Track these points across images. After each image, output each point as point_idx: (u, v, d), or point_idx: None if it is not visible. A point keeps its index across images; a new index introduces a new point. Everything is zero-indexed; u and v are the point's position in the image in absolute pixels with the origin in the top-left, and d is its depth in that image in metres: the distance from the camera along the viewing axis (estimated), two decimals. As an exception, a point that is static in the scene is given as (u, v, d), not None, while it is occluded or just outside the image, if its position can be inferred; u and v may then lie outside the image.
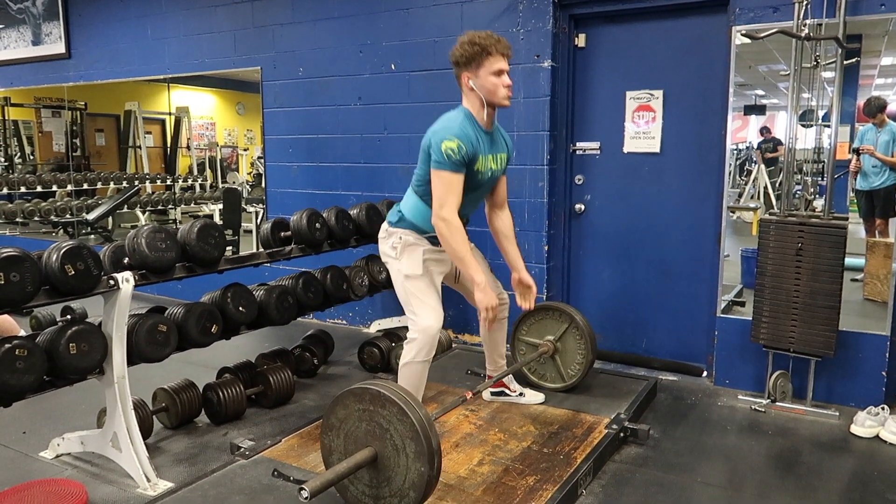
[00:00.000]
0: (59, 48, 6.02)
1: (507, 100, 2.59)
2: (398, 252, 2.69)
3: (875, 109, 3.36)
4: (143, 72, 5.57)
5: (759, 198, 4.38)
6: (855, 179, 3.69)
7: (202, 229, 2.79)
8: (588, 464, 2.60)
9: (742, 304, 3.79)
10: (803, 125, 3.35)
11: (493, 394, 3.26)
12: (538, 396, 3.26)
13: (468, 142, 2.51)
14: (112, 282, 2.48)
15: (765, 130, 4.26)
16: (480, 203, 2.86)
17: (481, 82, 2.55)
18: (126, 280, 2.51)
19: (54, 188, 7.44)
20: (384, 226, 2.79)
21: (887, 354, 3.27)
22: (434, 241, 2.68)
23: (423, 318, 2.63)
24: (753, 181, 4.38)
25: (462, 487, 2.45)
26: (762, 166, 4.31)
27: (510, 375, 3.24)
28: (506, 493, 2.41)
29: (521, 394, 3.25)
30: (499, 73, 2.55)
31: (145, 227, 2.63)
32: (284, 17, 4.76)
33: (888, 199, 3.51)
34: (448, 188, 2.50)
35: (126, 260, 2.63)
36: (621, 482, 2.64)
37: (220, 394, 3.14)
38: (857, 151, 3.56)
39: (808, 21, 3.05)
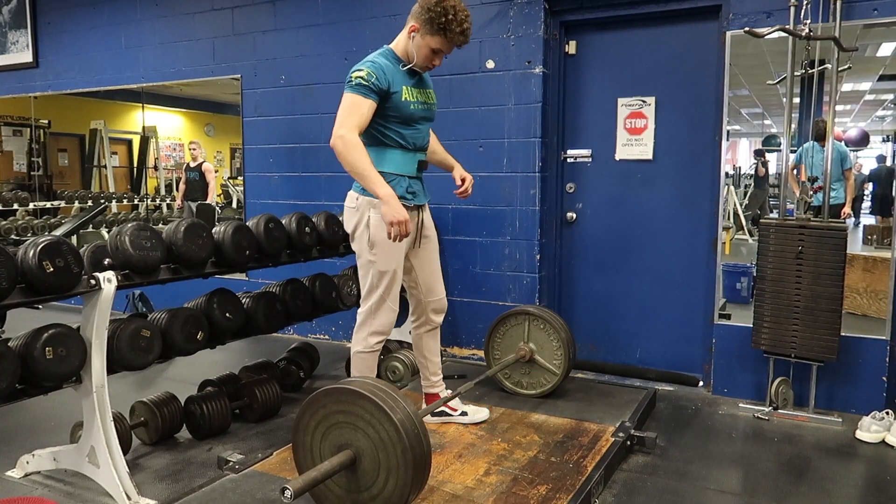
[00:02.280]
0: (26, 57, 5.80)
1: (425, 69, 2.61)
2: (369, 241, 2.57)
3: (822, 130, 3.39)
4: (116, 81, 5.38)
5: (729, 218, 4.42)
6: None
7: (189, 228, 2.63)
8: (599, 472, 2.48)
9: (728, 317, 3.75)
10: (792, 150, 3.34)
11: (433, 414, 2.96)
12: (482, 413, 2.99)
13: (380, 70, 2.47)
14: (93, 281, 2.30)
15: (758, 153, 4.36)
16: (427, 138, 2.74)
17: (418, 44, 2.52)
18: (108, 280, 2.33)
19: (15, 206, 7.15)
20: (350, 193, 2.64)
21: (887, 359, 3.24)
22: (401, 186, 2.60)
23: (382, 315, 2.65)
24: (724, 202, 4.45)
25: (470, 498, 2.31)
26: (731, 187, 4.34)
27: (449, 393, 2.96)
28: (518, 502, 2.28)
29: (463, 413, 2.98)
30: (437, 52, 2.54)
31: (129, 225, 2.46)
32: (266, 25, 4.65)
33: (836, 216, 3.50)
34: (349, 109, 2.43)
35: (107, 260, 2.45)
36: (633, 491, 2.53)
37: (204, 407, 2.95)
38: (812, 180, 3.58)
39: (807, 21, 3.05)
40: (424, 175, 2.76)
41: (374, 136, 2.58)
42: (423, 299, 2.84)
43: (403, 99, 2.54)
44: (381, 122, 2.54)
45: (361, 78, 2.43)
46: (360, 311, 2.69)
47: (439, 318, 2.90)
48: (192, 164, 6.08)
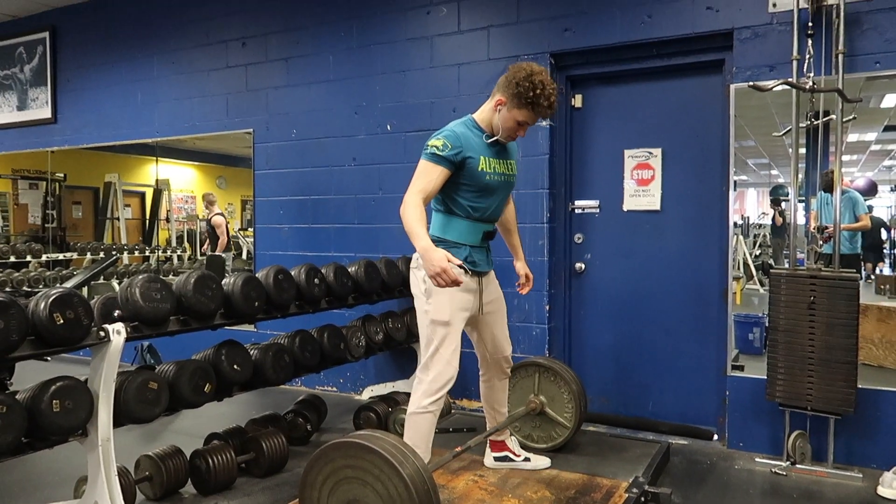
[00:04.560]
0: (45, 113, 5.96)
1: (507, 140, 2.66)
2: (426, 292, 2.57)
3: (830, 181, 3.40)
4: (132, 135, 5.51)
5: (739, 268, 4.40)
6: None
7: (199, 280, 2.65)
8: (613, 530, 2.42)
9: (741, 368, 3.70)
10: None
11: (496, 459, 3.08)
12: (544, 461, 3.10)
13: (456, 140, 2.52)
14: (102, 333, 2.30)
15: (775, 202, 4.39)
16: (501, 209, 2.77)
17: (504, 117, 2.58)
18: (118, 332, 2.33)
19: (28, 258, 7.23)
20: (414, 255, 2.63)
21: (906, 412, 3.18)
22: (460, 255, 2.58)
23: (435, 369, 2.57)
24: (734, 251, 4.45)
25: (481, 557, 2.24)
26: (740, 237, 4.35)
27: (514, 440, 3.13)
28: (529, 562, 2.21)
29: (526, 458, 3.08)
30: (522, 124, 2.60)
31: (140, 276, 2.47)
32: (279, 81, 4.77)
33: (850, 266, 3.47)
34: (418, 174, 2.50)
35: (117, 312, 2.46)
36: (649, 550, 2.45)
37: (210, 461, 2.90)
38: (820, 230, 3.58)
39: (810, 74, 3.10)
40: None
41: (445, 203, 2.63)
42: (488, 357, 2.90)
43: (480, 169, 2.57)
44: (454, 190, 2.58)
45: (436, 147, 2.49)
46: (418, 372, 2.63)
47: (507, 369, 2.95)
48: (206, 216, 6.17)
